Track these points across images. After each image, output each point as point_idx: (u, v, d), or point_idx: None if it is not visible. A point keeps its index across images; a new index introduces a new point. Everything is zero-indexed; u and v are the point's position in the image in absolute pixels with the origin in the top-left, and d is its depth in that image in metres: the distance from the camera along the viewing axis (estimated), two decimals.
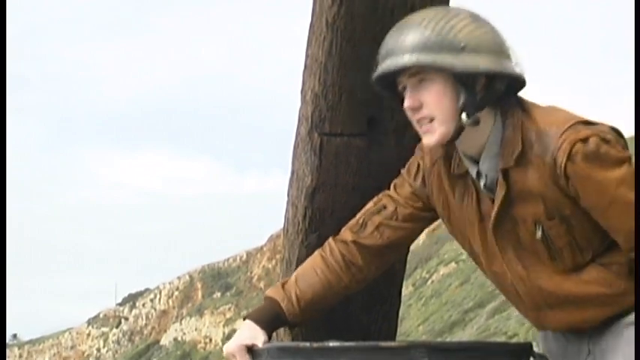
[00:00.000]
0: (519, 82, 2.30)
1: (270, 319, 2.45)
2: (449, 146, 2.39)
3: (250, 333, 2.41)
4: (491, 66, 2.23)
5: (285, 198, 2.86)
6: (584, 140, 2.21)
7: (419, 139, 2.70)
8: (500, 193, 2.30)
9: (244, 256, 66.30)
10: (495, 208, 2.32)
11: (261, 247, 63.95)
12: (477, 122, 2.26)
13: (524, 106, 2.31)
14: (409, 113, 2.31)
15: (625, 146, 2.27)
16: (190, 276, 68.46)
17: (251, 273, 63.45)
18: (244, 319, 2.46)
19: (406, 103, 2.30)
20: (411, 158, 2.53)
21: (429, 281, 38.67)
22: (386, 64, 2.29)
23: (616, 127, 2.29)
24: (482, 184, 2.34)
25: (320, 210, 2.74)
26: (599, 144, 2.21)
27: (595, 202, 2.23)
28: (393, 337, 2.88)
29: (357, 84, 2.66)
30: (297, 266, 2.74)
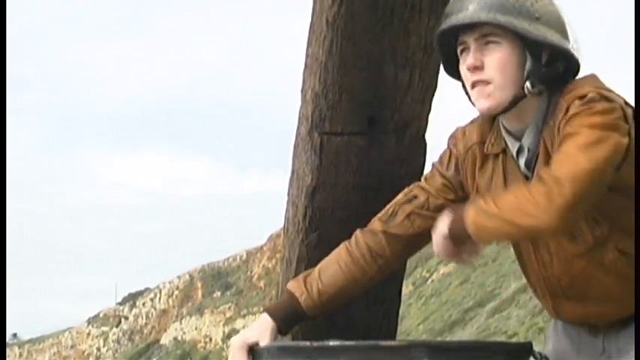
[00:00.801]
0: (575, 68, 2.31)
1: (287, 315, 2.44)
2: (484, 132, 2.37)
3: (258, 331, 2.40)
4: (560, 42, 2.25)
5: (286, 197, 2.86)
6: (582, 97, 2.20)
7: (419, 138, 2.71)
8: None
9: (244, 256, 66.30)
10: None
11: (261, 247, 63.96)
12: (540, 92, 2.26)
13: (568, 84, 2.29)
14: (467, 74, 2.28)
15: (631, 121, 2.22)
16: (190, 275, 68.47)
17: (251, 272, 63.44)
18: (262, 312, 2.46)
19: (468, 61, 2.27)
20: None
21: (429, 280, 38.68)
22: (458, 17, 2.26)
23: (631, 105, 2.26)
24: (522, 161, 2.32)
25: (320, 209, 2.74)
26: (596, 97, 2.19)
27: (562, 137, 2.18)
28: (393, 337, 2.88)
29: (358, 83, 2.66)
30: (297, 265, 2.74)
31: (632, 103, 2.29)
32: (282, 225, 2.88)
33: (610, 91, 2.24)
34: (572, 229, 2.25)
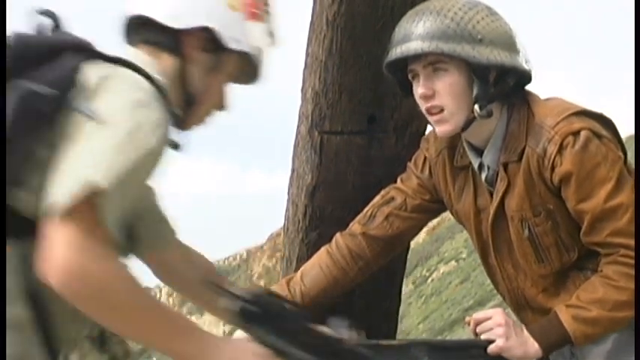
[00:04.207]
0: (527, 78, 2.31)
1: None
2: (454, 137, 2.39)
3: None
4: (505, 60, 2.23)
5: (286, 196, 2.86)
6: (576, 133, 2.21)
7: (419, 137, 2.71)
8: (500, 188, 2.31)
9: (244, 255, 66.33)
10: (495, 203, 2.33)
11: (262, 246, 63.99)
12: (489, 114, 2.26)
13: (529, 101, 2.31)
14: (420, 101, 2.29)
15: (618, 142, 2.27)
16: None
17: (251, 271, 63.46)
18: None
19: (419, 91, 2.27)
20: (416, 152, 2.53)
21: (429, 279, 38.66)
22: (402, 49, 2.25)
23: (611, 120, 2.28)
24: (483, 176, 2.35)
25: (320, 208, 2.74)
26: (590, 138, 2.21)
27: (571, 195, 2.23)
28: (393, 336, 2.88)
29: (357, 82, 2.66)
30: (297, 264, 2.74)
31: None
32: (282, 224, 2.88)
33: (582, 113, 2.26)
34: (539, 252, 2.32)
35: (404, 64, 2.29)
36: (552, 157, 2.22)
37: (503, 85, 2.26)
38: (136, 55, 1.93)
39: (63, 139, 1.72)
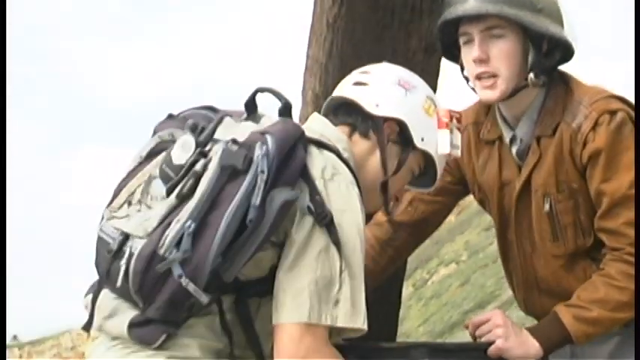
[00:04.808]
0: (570, 54, 2.32)
1: None
2: (479, 113, 2.40)
3: None
4: (559, 33, 2.26)
5: None
6: (613, 113, 2.23)
7: None
8: (531, 161, 2.31)
9: None
10: (523, 176, 2.33)
11: None
12: (544, 84, 2.27)
13: (568, 80, 2.33)
14: (473, 65, 2.28)
15: None
16: None
17: None
18: None
19: (474, 54, 2.26)
20: None
21: (429, 282, 38.59)
22: (465, 8, 2.24)
23: None
24: (514, 150, 2.35)
25: None
26: (626, 120, 2.23)
27: (596, 174, 2.23)
28: (393, 338, 2.88)
29: None
30: None
31: (633, 101, 2.32)
32: None
33: (621, 99, 2.28)
34: (556, 230, 2.32)
35: (454, 28, 2.29)
36: (586, 132, 2.23)
37: (551, 58, 2.28)
38: (336, 132, 2.10)
39: (297, 238, 1.93)
